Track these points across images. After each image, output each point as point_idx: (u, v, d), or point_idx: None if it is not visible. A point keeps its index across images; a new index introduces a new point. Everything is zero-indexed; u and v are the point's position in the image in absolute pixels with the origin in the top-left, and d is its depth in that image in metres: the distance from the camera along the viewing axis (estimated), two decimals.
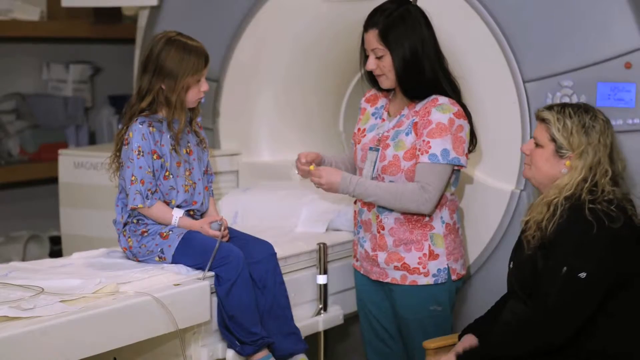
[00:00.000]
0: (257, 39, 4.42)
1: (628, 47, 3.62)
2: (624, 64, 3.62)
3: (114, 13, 5.71)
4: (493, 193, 3.87)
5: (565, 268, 2.95)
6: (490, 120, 3.88)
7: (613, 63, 3.64)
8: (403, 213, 3.45)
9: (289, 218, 4.00)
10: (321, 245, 3.68)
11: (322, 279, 3.70)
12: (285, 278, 3.49)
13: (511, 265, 3.23)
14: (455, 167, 3.44)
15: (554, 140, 3.11)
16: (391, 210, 3.46)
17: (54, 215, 4.89)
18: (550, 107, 3.15)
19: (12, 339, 2.68)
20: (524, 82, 3.80)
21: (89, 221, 4.56)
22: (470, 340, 3.23)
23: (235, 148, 4.52)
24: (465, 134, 3.42)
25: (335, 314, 3.78)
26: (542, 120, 3.14)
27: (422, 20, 3.47)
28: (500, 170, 3.79)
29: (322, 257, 3.68)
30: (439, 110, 3.40)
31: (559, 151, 3.10)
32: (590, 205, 3.00)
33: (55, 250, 5.34)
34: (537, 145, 3.15)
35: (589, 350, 3.00)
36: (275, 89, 4.48)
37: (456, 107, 3.42)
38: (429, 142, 3.38)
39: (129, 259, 3.42)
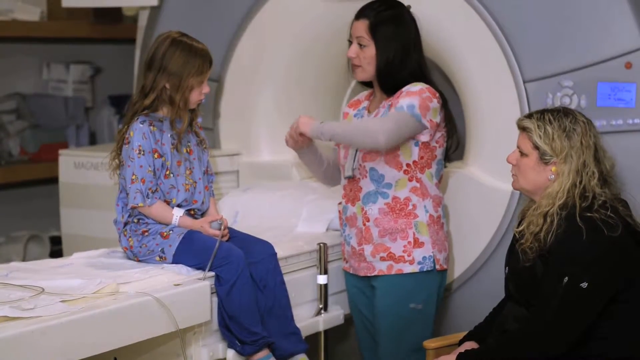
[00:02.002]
0: (257, 39, 4.42)
1: (628, 47, 3.62)
2: (624, 63, 3.62)
3: (114, 13, 5.71)
4: (493, 193, 3.87)
5: (566, 278, 2.94)
6: (490, 120, 3.88)
7: (613, 63, 3.64)
8: (386, 203, 3.49)
9: (289, 218, 4.00)
10: (321, 245, 3.68)
11: (322, 279, 3.70)
12: (286, 278, 3.49)
13: (507, 271, 3.22)
14: (422, 142, 3.47)
15: (537, 147, 3.10)
16: (374, 201, 3.50)
17: (54, 215, 4.90)
18: (529, 115, 3.14)
19: (12, 339, 2.68)
20: (524, 82, 3.79)
21: (89, 221, 4.56)
22: (470, 347, 3.22)
23: (236, 148, 4.52)
24: (432, 106, 3.46)
25: (335, 314, 3.78)
26: (523, 129, 3.13)
27: (412, 26, 3.55)
28: (500, 170, 3.78)
29: (323, 257, 3.68)
30: (411, 86, 3.48)
31: (543, 158, 3.09)
32: (588, 214, 2.99)
33: (56, 250, 5.34)
34: (522, 154, 3.15)
35: (590, 354, 2.99)
36: (275, 89, 4.48)
37: (427, 86, 3.49)
38: (398, 101, 3.46)
39: (129, 258, 3.42)
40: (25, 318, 2.78)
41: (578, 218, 2.98)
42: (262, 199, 4.12)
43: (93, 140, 5.93)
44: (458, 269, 3.98)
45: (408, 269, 3.51)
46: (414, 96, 3.44)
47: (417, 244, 3.50)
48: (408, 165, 3.50)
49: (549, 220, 3.03)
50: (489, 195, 3.88)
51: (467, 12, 3.87)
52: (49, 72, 5.86)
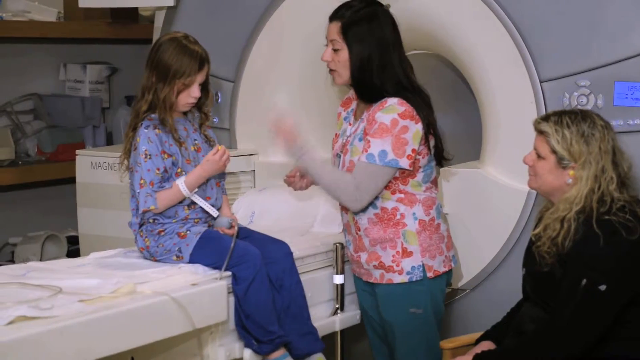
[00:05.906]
0: (273, 39, 4.42)
1: None
2: None
3: (131, 13, 5.72)
4: (509, 193, 3.86)
5: (584, 280, 2.92)
6: (507, 120, 3.87)
7: (630, 62, 3.63)
8: (375, 213, 3.45)
9: (306, 218, 4.00)
10: (338, 245, 3.68)
11: (338, 279, 3.70)
12: (302, 278, 3.50)
13: (524, 272, 3.21)
14: (399, 170, 3.39)
15: (554, 152, 3.07)
16: (364, 211, 3.46)
17: (71, 215, 4.91)
18: (546, 118, 3.10)
19: (30, 339, 2.69)
20: (541, 82, 3.79)
21: (106, 221, 4.57)
22: (487, 347, 3.21)
23: (252, 148, 4.52)
24: (410, 136, 3.35)
25: (352, 314, 3.78)
26: (541, 132, 3.10)
27: (389, 24, 3.42)
28: (517, 171, 3.77)
29: (339, 257, 3.68)
30: (384, 112, 3.36)
31: (561, 162, 3.06)
32: (606, 217, 2.97)
33: (73, 250, 5.35)
34: (539, 157, 3.12)
35: (608, 357, 2.98)
36: (291, 89, 4.48)
37: (403, 107, 3.35)
38: (369, 141, 3.36)
39: (146, 258, 3.43)
40: (43, 318, 2.79)
41: (596, 221, 2.96)
42: (278, 199, 4.13)
43: (110, 141, 5.95)
44: (474, 269, 3.98)
45: (397, 279, 3.46)
46: (386, 136, 3.33)
47: (406, 253, 3.44)
48: (389, 182, 3.43)
49: (566, 225, 3.01)
50: (505, 195, 3.87)
51: (483, 12, 3.86)
52: (66, 73, 5.87)
